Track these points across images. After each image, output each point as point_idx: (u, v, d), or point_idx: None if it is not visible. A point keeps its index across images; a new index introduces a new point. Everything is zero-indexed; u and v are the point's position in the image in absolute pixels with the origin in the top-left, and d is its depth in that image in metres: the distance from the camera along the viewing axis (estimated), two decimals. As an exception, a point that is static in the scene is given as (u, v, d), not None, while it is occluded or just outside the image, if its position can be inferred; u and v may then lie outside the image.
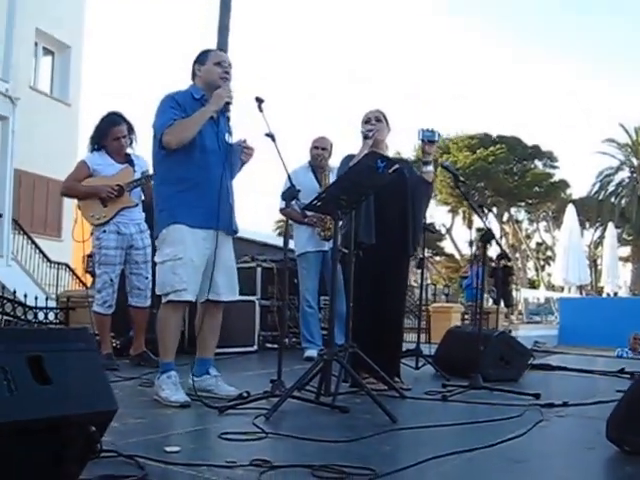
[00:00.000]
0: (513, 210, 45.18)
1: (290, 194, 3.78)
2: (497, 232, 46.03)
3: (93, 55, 52.09)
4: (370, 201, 4.53)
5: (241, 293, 7.22)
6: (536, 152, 41.90)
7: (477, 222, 45.37)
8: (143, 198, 5.65)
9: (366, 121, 4.86)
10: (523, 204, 44.39)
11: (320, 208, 3.90)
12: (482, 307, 5.65)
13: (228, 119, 4.21)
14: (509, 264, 19.71)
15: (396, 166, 4.06)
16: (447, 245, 47.32)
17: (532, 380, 5.48)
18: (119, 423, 3.43)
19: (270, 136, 4.04)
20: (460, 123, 57.90)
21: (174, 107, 4.05)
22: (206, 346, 4.27)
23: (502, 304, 18.35)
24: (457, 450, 2.84)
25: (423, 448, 3.05)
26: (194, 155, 4.06)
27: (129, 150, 5.69)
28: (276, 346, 7.86)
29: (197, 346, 4.30)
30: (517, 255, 45.82)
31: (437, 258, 46.99)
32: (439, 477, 2.62)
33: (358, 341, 4.24)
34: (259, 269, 7.78)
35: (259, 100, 4.11)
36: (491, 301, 17.92)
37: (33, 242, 16.81)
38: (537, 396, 4.39)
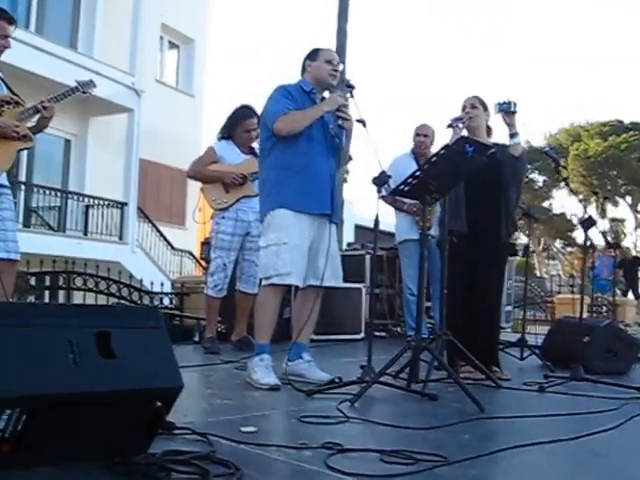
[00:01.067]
0: (648, 199, 43.20)
1: (380, 180, 3.74)
2: (632, 222, 44.40)
3: (217, 47, 53.27)
4: (460, 188, 4.45)
5: (350, 281, 7.35)
6: (672, 138, 39.83)
7: (611, 212, 43.95)
8: None
9: (462, 109, 4.80)
10: (659, 192, 42.37)
11: (408, 193, 3.83)
12: (590, 299, 5.39)
13: (339, 117, 4.21)
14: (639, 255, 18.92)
15: (491, 150, 3.95)
16: (579, 235, 45.81)
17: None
18: (207, 403, 3.53)
19: (361, 122, 4.02)
20: (592, 109, 55.71)
21: (287, 97, 4.18)
22: (302, 331, 4.30)
23: (631, 296, 17.57)
24: (538, 441, 2.74)
25: (505, 438, 2.97)
26: (301, 144, 4.14)
27: (254, 144, 5.82)
28: (384, 334, 7.87)
29: (293, 331, 4.34)
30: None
31: (569, 249, 45.59)
32: (512, 467, 2.54)
33: (453, 329, 4.17)
34: (368, 257, 7.76)
35: (350, 87, 4.12)
36: (620, 293, 17.29)
37: (158, 230, 17.40)
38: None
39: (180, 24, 19.96)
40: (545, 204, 42.51)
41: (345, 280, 7.51)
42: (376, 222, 3.84)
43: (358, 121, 4.03)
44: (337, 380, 3.95)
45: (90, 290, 8.25)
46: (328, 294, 6.77)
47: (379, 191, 3.75)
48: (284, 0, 74.78)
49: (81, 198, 16.26)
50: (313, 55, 4.36)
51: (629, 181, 39.90)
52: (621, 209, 43.73)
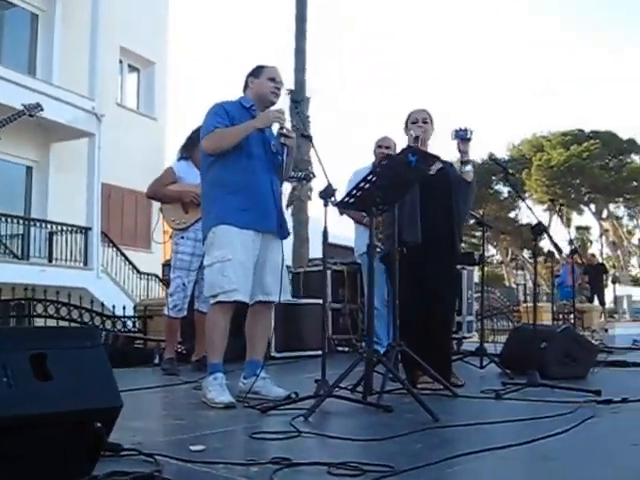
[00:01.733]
0: (612, 207, 43.75)
1: (327, 192, 3.75)
2: (597, 229, 44.88)
3: (177, 69, 53.32)
4: (415, 200, 4.48)
5: (312, 296, 7.34)
6: (632, 146, 40.48)
7: (576, 220, 44.38)
8: None
9: (414, 122, 4.82)
10: (621, 200, 42.94)
11: (353, 205, 3.84)
12: (537, 305, 5.44)
13: (281, 135, 4.22)
14: (602, 262, 19.14)
15: (439, 165, 3.98)
16: (546, 245, 46.20)
17: (602, 377, 5.29)
18: (159, 424, 3.50)
19: (308, 137, 4.04)
20: (552, 120, 56.35)
21: (219, 115, 4.17)
22: (255, 348, 4.29)
23: (597, 302, 17.74)
24: (489, 447, 2.74)
25: (457, 445, 2.98)
26: (241, 160, 4.14)
27: None
28: (347, 349, 7.86)
29: (247, 348, 4.32)
30: (619, 253, 44.38)
31: (540, 258, 45.89)
32: (460, 474, 2.54)
33: (407, 340, 4.19)
34: (329, 272, 7.75)
35: (295, 102, 4.14)
36: (585, 299, 17.45)
37: (123, 254, 17.31)
38: (598, 393, 4.20)
39: (139, 47, 19.93)
40: (511, 215, 42.92)
41: (308, 296, 7.60)
42: (324, 234, 3.85)
43: (304, 136, 4.04)
44: (293, 396, 3.94)
45: (51, 317, 8.17)
46: (289, 310, 6.84)
47: (326, 204, 3.76)
48: (244, 21, 74.77)
49: (44, 225, 16.15)
50: (256, 72, 4.36)
51: (592, 189, 40.48)
52: (586, 217, 44.31)
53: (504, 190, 41.25)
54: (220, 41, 73.01)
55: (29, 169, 17.09)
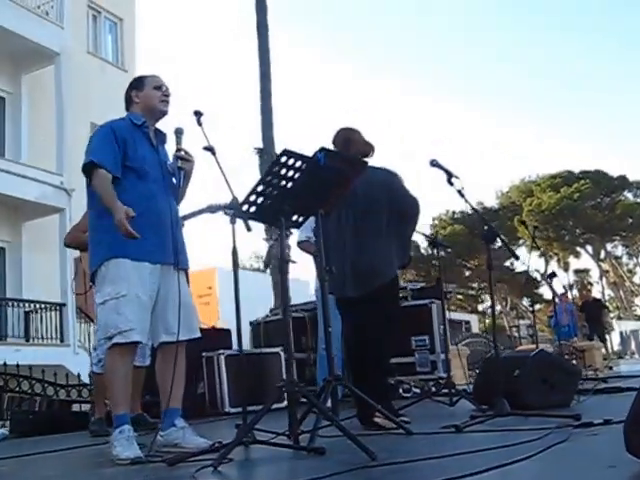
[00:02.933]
0: (609, 246, 43.16)
1: (232, 206, 3.23)
2: (596, 271, 44.20)
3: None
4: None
5: (272, 345, 6.77)
6: (623, 183, 40.21)
7: (574, 264, 43.72)
8: None
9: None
10: (618, 238, 42.38)
11: (255, 216, 3.25)
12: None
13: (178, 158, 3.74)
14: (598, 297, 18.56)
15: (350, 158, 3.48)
16: (546, 291, 45.54)
17: (590, 405, 4.65)
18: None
19: (210, 149, 3.55)
20: (541, 165, 56.41)
21: (107, 141, 3.65)
22: (169, 395, 3.70)
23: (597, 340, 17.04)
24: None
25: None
26: (137, 185, 3.65)
27: None
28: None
29: (160, 396, 3.76)
30: (621, 293, 43.62)
31: (537, 306, 45.29)
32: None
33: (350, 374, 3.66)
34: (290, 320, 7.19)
35: (198, 114, 3.65)
36: (585, 337, 16.73)
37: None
38: (576, 417, 3.60)
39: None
40: (507, 263, 42.35)
41: (268, 345, 7.02)
42: (234, 254, 3.32)
43: (207, 149, 3.54)
44: (217, 444, 3.35)
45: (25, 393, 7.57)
46: (245, 361, 6.25)
47: (233, 221, 3.24)
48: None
49: (20, 304, 15.76)
50: (138, 84, 3.87)
51: (586, 230, 40.01)
52: (584, 260, 43.73)
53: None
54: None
55: (1, 250, 16.72)
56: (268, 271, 14.06)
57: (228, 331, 7.02)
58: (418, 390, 7.18)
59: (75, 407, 6.96)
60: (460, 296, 43.92)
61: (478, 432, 3.59)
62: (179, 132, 3.77)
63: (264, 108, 14.94)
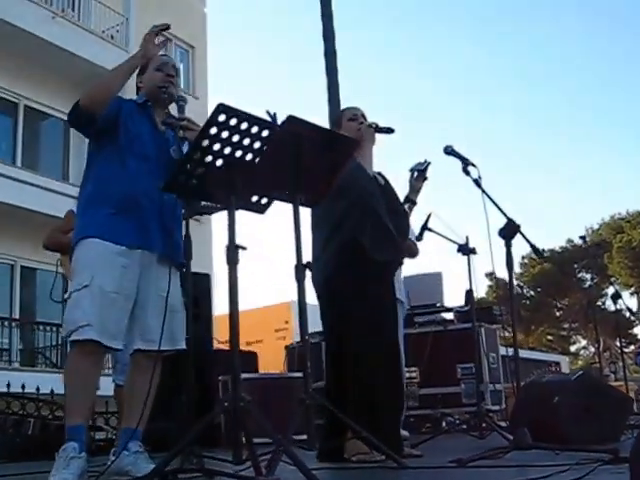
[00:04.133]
0: None
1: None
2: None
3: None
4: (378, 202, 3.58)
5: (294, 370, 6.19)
6: None
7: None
8: None
9: (352, 118, 4.03)
10: None
11: (198, 192, 2.66)
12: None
13: (182, 128, 3.27)
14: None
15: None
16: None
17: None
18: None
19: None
20: (631, 201, 53.87)
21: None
22: (131, 412, 3.17)
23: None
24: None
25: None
26: (123, 159, 3.18)
27: None
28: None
29: (120, 412, 3.24)
30: None
31: (632, 347, 43.30)
32: None
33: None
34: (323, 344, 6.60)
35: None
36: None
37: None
38: (613, 452, 2.89)
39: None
40: (598, 302, 40.69)
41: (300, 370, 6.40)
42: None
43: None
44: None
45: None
46: (265, 386, 5.68)
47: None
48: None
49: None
50: (142, 68, 3.47)
51: (681, 266, 38.01)
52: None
53: (587, 277, 39.38)
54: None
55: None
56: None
57: (254, 354, 6.48)
58: (465, 425, 6.45)
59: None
60: (550, 337, 42.51)
61: (485, 467, 2.93)
62: (181, 100, 3.37)
63: (330, 81, 14.33)
